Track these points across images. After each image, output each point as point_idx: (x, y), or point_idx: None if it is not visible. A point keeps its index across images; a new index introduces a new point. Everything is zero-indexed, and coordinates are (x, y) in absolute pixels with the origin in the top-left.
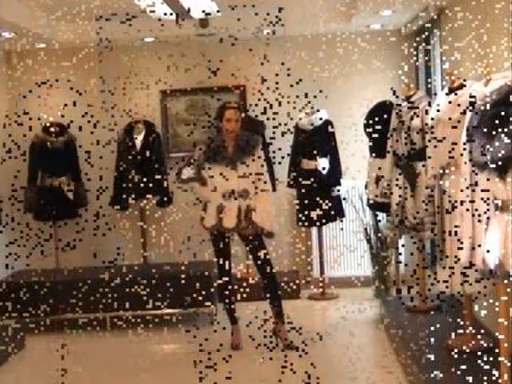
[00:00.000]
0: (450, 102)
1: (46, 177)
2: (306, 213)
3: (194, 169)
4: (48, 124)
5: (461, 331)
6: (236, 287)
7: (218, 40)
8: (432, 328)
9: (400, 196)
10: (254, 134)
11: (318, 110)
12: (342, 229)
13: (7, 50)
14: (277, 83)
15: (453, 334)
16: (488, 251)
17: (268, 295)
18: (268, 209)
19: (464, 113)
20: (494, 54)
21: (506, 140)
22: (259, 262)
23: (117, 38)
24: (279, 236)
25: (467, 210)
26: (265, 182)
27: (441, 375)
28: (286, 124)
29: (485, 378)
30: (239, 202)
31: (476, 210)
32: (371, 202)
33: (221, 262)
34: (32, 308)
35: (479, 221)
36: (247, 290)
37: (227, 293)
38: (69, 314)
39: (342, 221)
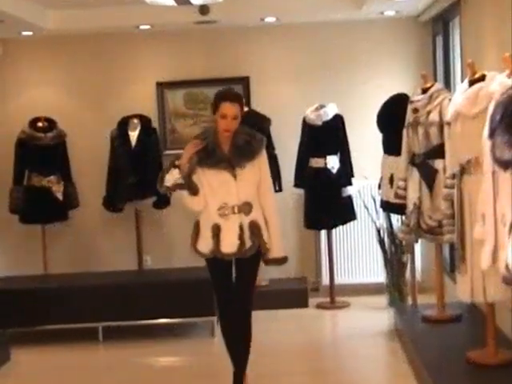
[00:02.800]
0: (470, 95)
1: (34, 176)
2: (315, 215)
3: (182, 173)
4: (36, 118)
5: (482, 343)
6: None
7: (219, 28)
8: (451, 340)
9: (416, 196)
10: (256, 132)
11: (327, 104)
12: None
13: None
14: (282, 75)
15: (474, 347)
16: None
17: (234, 337)
18: (278, 225)
19: (486, 107)
20: None
21: None
22: (239, 289)
23: (110, 26)
24: (285, 240)
25: (489, 211)
26: (278, 190)
27: None
28: (293, 119)
29: None
30: (240, 218)
31: (499, 211)
32: (385, 203)
33: (220, 294)
34: (18, 318)
35: (502, 223)
36: None
37: (231, 331)
38: (58, 324)
39: (348, 221)
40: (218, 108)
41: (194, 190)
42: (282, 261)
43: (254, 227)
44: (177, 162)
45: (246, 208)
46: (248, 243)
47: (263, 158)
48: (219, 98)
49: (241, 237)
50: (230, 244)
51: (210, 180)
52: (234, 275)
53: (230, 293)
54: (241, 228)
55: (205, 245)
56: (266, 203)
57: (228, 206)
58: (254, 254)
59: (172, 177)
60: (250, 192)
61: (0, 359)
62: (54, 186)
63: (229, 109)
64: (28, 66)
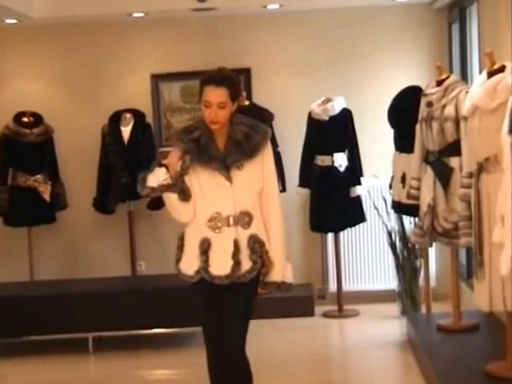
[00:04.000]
0: (488, 88)
1: (19, 175)
2: (321, 217)
3: (172, 172)
4: (21, 113)
5: (502, 355)
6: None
7: (218, 16)
8: (468, 351)
9: (430, 197)
10: (259, 123)
11: (334, 98)
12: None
13: None
14: (286, 66)
15: (492, 359)
16: None
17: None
18: (282, 241)
19: (506, 100)
20: None
21: None
22: (231, 323)
23: (100, 14)
24: (289, 244)
25: (509, 212)
26: (281, 190)
27: None
28: (297, 113)
29: None
30: (236, 232)
31: None
32: (396, 203)
33: (208, 328)
34: (1, 328)
35: None
36: None
37: (221, 374)
38: (45, 335)
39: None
40: (201, 94)
41: (186, 194)
42: (283, 287)
43: (255, 243)
44: (164, 161)
45: (244, 219)
46: (246, 264)
47: (267, 156)
48: (202, 80)
49: (235, 255)
50: (221, 264)
51: (202, 182)
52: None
53: (220, 327)
54: (236, 244)
55: (190, 264)
56: (269, 213)
57: (221, 216)
58: (253, 279)
59: (157, 177)
60: (250, 199)
61: None
62: (41, 185)
63: (213, 94)
64: (12, 57)
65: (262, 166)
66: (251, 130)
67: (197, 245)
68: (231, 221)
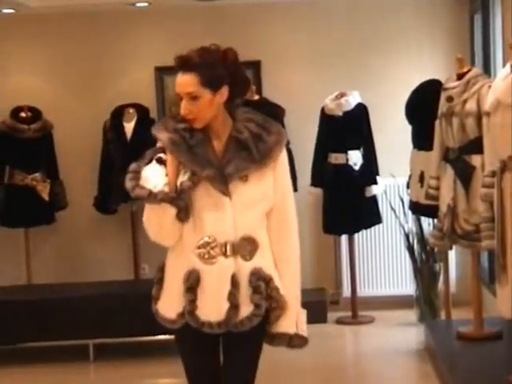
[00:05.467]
0: None
1: (16, 173)
2: (335, 218)
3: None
4: (18, 108)
5: None
6: None
7: (226, 5)
8: (490, 360)
9: (450, 197)
10: (273, 121)
11: (349, 93)
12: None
13: None
14: (298, 59)
15: None
16: None
17: None
18: (297, 280)
19: None
20: None
21: None
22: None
23: (102, 3)
24: (301, 246)
25: None
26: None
27: None
28: (310, 109)
29: None
30: (235, 264)
31: None
32: (414, 204)
33: None
34: None
35: None
36: None
37: None
38: (43, 341)
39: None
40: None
41: (186, 214)
42: (295, 341)
43: (259, 280)
44: (163, 156)
45: (246, 248)
46: (246, 308)
47: (282, 165)
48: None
49: (232, 296)
50: (213, 307)
51: (194, 196)
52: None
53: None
54: (234, 281)
55: (171, 304)
56: (282, 240)
57: (216, 242)
58: (255, 327)
59: (154, 176)
60: (255, 221)
61: None
62: (39, 184)
63: (179, 83)
64: (9, 49)
65: (273, 179)
66: (263, 129)
67: (181, 278)
68: (229, 249)
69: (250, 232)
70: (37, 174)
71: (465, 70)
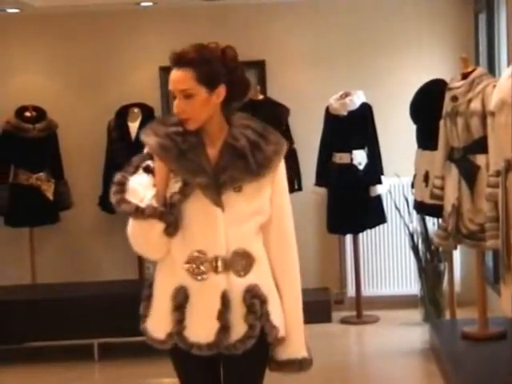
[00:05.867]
0: None
1: (20, 173)
2: (339, 217)
3: (160, 187)
4: (22, 107)
5: None
6: None
7: (231, 4)
8: (494, 360)
9: (455, 197)
10: (271, 129)
11: (353, 92)
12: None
13: None
14: (302, 58)
15: None
16: None
17: None
18: (299, 298)
19: None
20: None
21: None
22: None
23: (107, 2)
24: (305, 246)
25: None
26: (297, 189)
27: None
28: (314, 108)
29: None
30: (227, 280)
31: None
32: (419, 203)
33: None
34: (1, 334)
35: None
36: None
37: None
38: (47, 341)
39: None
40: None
41: (174, 228)
42: (301, 365)
43: (254, 297)
44: (151, 164)
45: (239, 263)
46: (238, 329)
47: (280, 177)
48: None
49: (223, 316)
50: (202, 327)
51: (184, 206)
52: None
53: None
54: (224, 299)
55: (159, 323)
56: (280, 255)
57: (206, 257)
58: (253, 350)
59: (142, 188)
60: (249, 234)
61: None
62: (44, 184)
63: (173, 79)
64: (13, 48)
65: (271, 190)
66: (261, 138)
67: (169, 295)
68: (220, 264)
69: (245, 246)
70: (41, 174)
71: (469, 69)
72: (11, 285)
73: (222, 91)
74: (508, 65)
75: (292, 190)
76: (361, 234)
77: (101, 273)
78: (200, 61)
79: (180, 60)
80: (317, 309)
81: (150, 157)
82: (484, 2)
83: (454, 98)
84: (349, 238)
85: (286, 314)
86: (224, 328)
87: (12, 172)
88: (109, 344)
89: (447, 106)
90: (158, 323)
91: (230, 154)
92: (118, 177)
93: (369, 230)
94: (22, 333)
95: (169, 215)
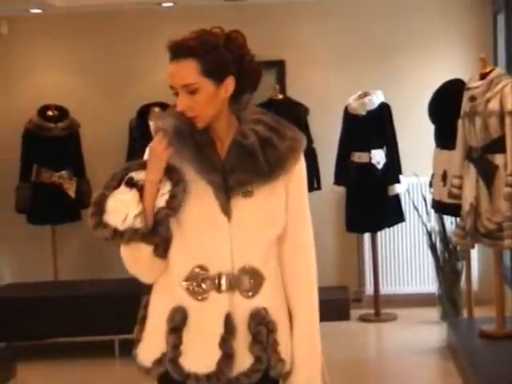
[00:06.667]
0: None
1: (43, 171)
2: (358, 216)
3: (148, 207)
4: (45, 106)
5: None
6: None
7: (250, 5)
8: (510, 357)
9: (473, 196)
10: (288, 124)
11: (372, 92)
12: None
13: None
14: (321, 58)
15: None
16: None
17: None
18: (315, 324)
19: None
20: None
21: None
22: None
23: (128, 2)
24: (324, 244)
25: None
26: (316, 188)
27: None
28: (333, 108)
29: None
30: (231, 301)
31: None
32: (437, 203)
33: None
34: (24, 330)
35: None
36: None
37: None
38: (69, 337)
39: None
40: None
41: (166, 247)
42: None
43: (261, 324)
44: (135, 176)
45: (247, 281)
46: (243, 360)
47: (298, 179)
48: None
49: (225, 343)
50: (201, 355)
51: (182, 215)
52: None
53: None
54: (228, 323)
55: (150, 348)
56: (293, 273)
57: (208, 273)
58: (263, 380)
59: (123, 206)
60: (260, 248)
61: (4, 377)
62: (66, 182)
63: (173, 73)
64: (36, 48)
65: (286, 195)
66: (274, 132)
67: (164, 316)
68: (224, 282)
69: (254, 262)
70: (63, 172)
71: (488, 69)
72: (33, 282)
73: (230, 83)
74: None
75: (311, 188)
76: (379, 233)
77: (122, 270)
78: (203, 49)
79: (180, 49)
80: (335, 307)
81: (139, 165)
82: (502, 2)
83: (473, 98)
84: (367, 236)
85: (297, 340)
86: (227, 356)
87: (34, 170)
88: (129, 340)
89: (465, 105)
90: (148, 348)
91: (237, 154)
92: (95, 195)
93: (387, 229)
94: (44, 329)
95: (154, 236)
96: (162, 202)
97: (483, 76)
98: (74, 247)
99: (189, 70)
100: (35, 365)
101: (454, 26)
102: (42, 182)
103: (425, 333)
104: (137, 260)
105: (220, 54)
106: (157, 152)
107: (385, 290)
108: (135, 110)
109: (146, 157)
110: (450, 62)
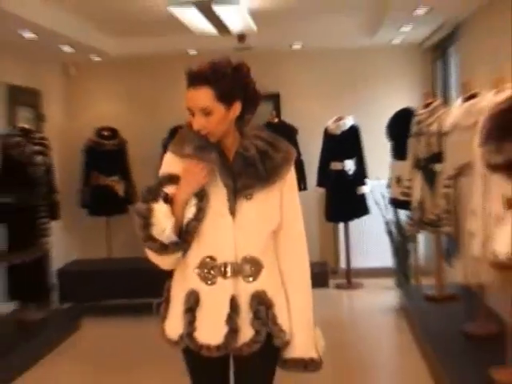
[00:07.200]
0: (465, 110)
1: (99, 176)
2: (334, 209)
3: (179, 217)
4: (101, 128)
5: (474, 318)
6: None
7: (254, 53)
8: (448, 315)
9: (420, 195)
10: (281, 139)
11: (345, 117)
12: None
13: (65, 62)
14: (307, 91)
15: (467, 320)
16: (499, 245)
17: None
18: (309, 302)
19: (478, 120)
20: (505, 65)
21: None
22: None
23: (163, 51)
24: (309, 231)
25: (480, 207)
26: (303, 189)
27: (456, 359)
28: (316, 129)
29: (497, 360)
30: (235, 286)
31: (488, 207)
32: (393, 200)
33: None
34: (87, 294)
35: (491, 217)
36: None
37: None
38: (119, 299)
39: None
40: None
41: (187, 248)
42: (306, 365)
43: (260, 304)
44: (169, 192)
45: (248, 269)
46: (245, 333)
47: (290, 184)
48: (186, 82)
49: (231, 320)
50: (211, 330)
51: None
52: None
53: None
54: (233, 304)
55: (175, 325)
56: (290, 262)
57: (215, 263)
58: (261, 352)
59: (163, 219)
60: (259, 241)
61: (72, 327)
62: (116, 184)
63: (191, 97)
64: (96, 84)
65: (280, 198)
66: (270, 146)
67: (182, 299)
68: (229, 270)
69: (253, 253)
70: (114, 177)
71: (430, 101)
72: (93, 258)
73: (237, 107)
74: (458, 97)
75: (299, 189)
76: (350, 222)
77: None
78: (217, 79)
79: (197, 78)
80: (317, 278)
81: (169, 178)
82: (440, 52)
83: (419, 122)
84: (341, 225)
85: (294, 314)
86: (232, 331)
87: (93, 176)
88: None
89: (414, 127)
90: (173, 325)
91: (241, 163)
92: (142, 209)
93: (356, 220)
94: (100, 294)
95: (184, 244)
96: (190, 213)
97: (426, 106)
98: (122, 233)
99: (205, 96)
100: (94, 320)
101: (406, 68)
102: (99, 184)
103: (384, 297)
104: (163, 260)
105: (229, 82)
106: (197, 178)
107: (354, 264)
108: (167, 130)
109: (165, 167)
110: (402, 95)
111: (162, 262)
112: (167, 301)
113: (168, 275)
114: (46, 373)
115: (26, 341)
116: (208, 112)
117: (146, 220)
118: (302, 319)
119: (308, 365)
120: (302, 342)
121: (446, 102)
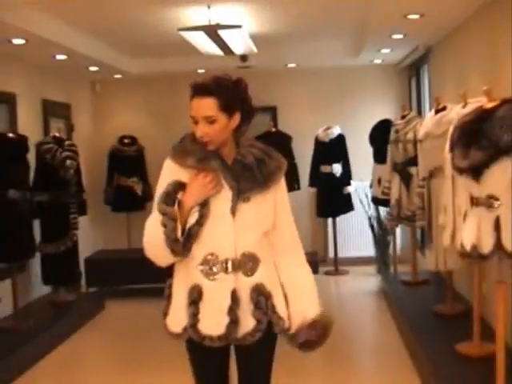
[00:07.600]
0: (436, 121)
1: (121, 178)
2: (324, 206)
3: (182, 217)
4: (123, 136)
5: (444, 299)
6: None
7: (255, 71)
8: (421, 297)
9: (397, 194)
10: (273, 150)
11: (333, 126)
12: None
13: (92, 80)
14: (301, 104)
15: (438, 302)
16: (465, 237)
17: None
18: (313, 292)
19: (447, 129)
20: (470, 82)
21: (479, 150)
22: None
23: (176, 70)
24: (302, 225)
25: (449, 205)
26: (297, 189)
27: (428, 335)
28: (308, 136)
29: (463, 336)
30: (236, 280)
31: (456, 204)
32: (374, 198)
33: None
34: (110, 279)
35: (459, 213)
36: None
37: None
38: (139, 284)
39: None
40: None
41: (188, 250)
42: (312, 345)
43: (260, 295)
44: (182, 198)
45: (247, 264)
46: (247, 323)
47: (282, 189)
48: (190, 93)
49: (232, 311)
50: (214, 321)
51: (209, 209)
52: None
53: None
54: (234, 296)
55: (177, 319)
56: (286, 257)
57: (217, 259)
58: (263, 339)
59: (176, 223)
60: (256, 239)
61: (97, 308)
62: (135, 185)
63: (196, 106)
64: (118, 99)
65: (273, 201)
66: (265, 154)
67: (185, 293)
68: (230, 265)
69: (251, 249)
70: (134, 179)
71: (406, 113)
72: (115, 249)
73: (237, 117)
74: (430, 110)
75: (294, 189)
76: (338, 218)
77: None
78: (221, 91)
79: (202, 89)
80: (309, 265)
81: (179, 188)
82: (414, 71)
83: (397, 131)
84: (330, 220)
85: (304, 282)
86: (233, 322)
87: (116, 178)
88: None
89: (392, 136)
90: (176, 319)
91: (239, 169)
92: (169, 211)
93: (343, 215)
94: (122, 279)
95: (187, 245)
96: (193, 218)
97: (403, 117)
98: (141, 226)
99: (209, 105)
100: (116, 302)
101: (385, 85)
102: (120, 185)
103: (366, 282)
104: (168, 259)
105: (231, 94)
106: (206, 189)
107: (341, 254)
108: (179, 138)
109: (170, 175)
110: (383, 107)
111: (164, 260)
112: (169, 297)
113: (169, 273)
114: (76, 345)
115: (60, 319)
116: (212, 120)
117: (175, 223)
118: (310, 284)
119: (325, 323)
120: (313, 298)
121: (420, 113)
